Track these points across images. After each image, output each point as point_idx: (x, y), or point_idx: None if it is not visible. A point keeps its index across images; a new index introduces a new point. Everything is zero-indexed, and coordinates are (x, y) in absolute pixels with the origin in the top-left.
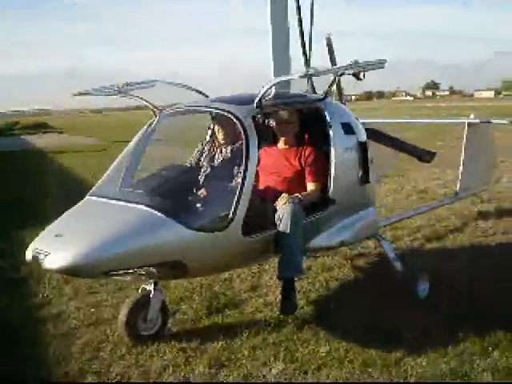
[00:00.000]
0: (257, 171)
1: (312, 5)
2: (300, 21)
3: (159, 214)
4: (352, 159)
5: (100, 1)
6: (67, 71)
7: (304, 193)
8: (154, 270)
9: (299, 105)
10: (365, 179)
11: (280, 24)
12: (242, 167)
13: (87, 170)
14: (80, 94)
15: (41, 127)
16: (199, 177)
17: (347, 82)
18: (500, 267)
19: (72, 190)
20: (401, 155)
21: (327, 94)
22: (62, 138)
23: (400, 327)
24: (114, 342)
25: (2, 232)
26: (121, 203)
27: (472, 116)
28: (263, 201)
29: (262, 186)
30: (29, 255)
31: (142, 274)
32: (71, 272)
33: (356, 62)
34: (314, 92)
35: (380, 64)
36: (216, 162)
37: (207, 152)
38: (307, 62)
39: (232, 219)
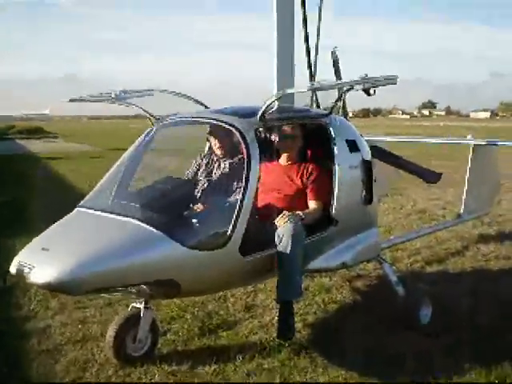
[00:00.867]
0: (257, 187)
1: (319, 17)
2: (306, 34)
3: (152, 229)
4: (356, 178)
5: (100, 9)
6: (65, 77)
7: (306, 211)
8: (144, 289)
9: (303, 120)
10: (368, 199)
11: (285, 36)
12: (243, 183)
13: (79, 177)
14: (76, 100)
15: (36, 132)
16: (196, 191)
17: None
18: (504, 295)
19: (58, 198)
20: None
21: (333, 109)
22: (57, 144)
23: (402, 352)
24: (100, 362)
25: None
26: (112, 216)
27: (469, 136)
28: (263, 218)
29: (261, 203)
30: (13, 268)
31: (132, 293)
32: (56, 288)
33: (364, 78)
34: (318, 107)
35: (391, 80)
36: (214, 176)
37: (205, 165)
38: (312, 75)
39: (230, 237)
